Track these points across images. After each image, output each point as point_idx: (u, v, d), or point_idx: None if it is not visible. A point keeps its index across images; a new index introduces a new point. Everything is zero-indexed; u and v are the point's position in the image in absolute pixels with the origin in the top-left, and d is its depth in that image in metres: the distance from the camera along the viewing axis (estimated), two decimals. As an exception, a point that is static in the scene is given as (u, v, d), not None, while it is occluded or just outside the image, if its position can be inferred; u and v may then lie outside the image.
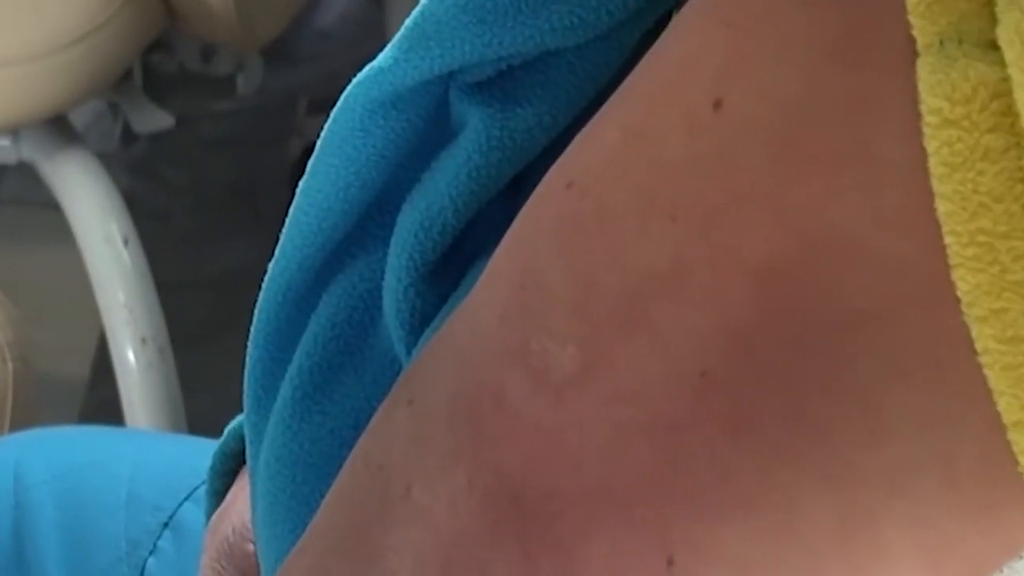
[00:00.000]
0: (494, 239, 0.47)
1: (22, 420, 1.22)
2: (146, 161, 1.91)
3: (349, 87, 0.47)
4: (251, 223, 1.88)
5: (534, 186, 0.43)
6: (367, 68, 0.46)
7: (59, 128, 1.68)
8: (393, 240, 0.49)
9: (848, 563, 0.35)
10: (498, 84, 0.47)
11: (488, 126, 0.47)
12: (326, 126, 0.48)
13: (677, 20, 0.42)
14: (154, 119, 1.67)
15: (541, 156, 0.47)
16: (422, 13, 0.45)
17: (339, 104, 0.47)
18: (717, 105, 0.37)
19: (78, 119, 1.79)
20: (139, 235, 1.67)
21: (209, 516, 0.71)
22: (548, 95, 0.47)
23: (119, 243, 1.64)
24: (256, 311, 0.54)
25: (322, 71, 1.72)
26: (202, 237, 1.97)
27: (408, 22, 0.45)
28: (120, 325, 1.65)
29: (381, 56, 0.46)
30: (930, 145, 0.34)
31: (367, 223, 0.52)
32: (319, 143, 0.48)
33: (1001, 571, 0.34)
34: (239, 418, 0.67)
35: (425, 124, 0.48)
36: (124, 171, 1.89)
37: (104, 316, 1.68)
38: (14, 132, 1.67)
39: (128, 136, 1.85)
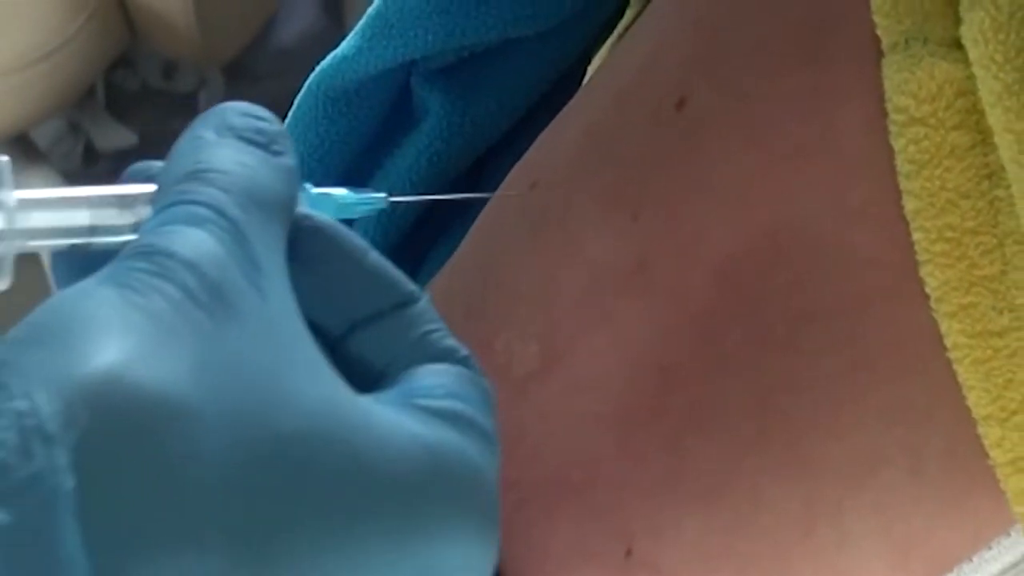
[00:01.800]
0: (455, 222, 0.47)
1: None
2: (109, 180, 1.90)
3: (312, 75, 0.46)
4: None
5: (494, 170, 0.43)
6: (330, 56, 0.46)
7: (22, 147, 1.66)
8: (356, 223, 0.49)
9: (813, 554, 0.35)
10: (459, 71, 0.47)
11: (449, 112, 0.46)
12: (290, 113, 0.47)
13: (644, 15, 0.42)
14: (117, 137, 1.66)
15: (501, 141, 0.47)
16: (384, 2, 0.45)
17: (302, 92, 0.47)
18: (680, 104, 0.37)
19: (41, 138, 1.77)
20: (103, 253, 1.65)
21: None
22: (509, 82, 0.47)
23: (82, 260, 1.62)
24: None
25: (283, 88, 1.71)
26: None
27: (371, 11, 0.45)
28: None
29: (344, 44, 0.45)
30: (897, 142, 0.34)
31: None
32: None
33: (970, 560, 0.34)
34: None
35: (388, 110, 0.47)
36: (86, 189, 1.88)
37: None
38: (-23, 150, 1.65)
39: (91, 155, 1.83)
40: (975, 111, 0.34)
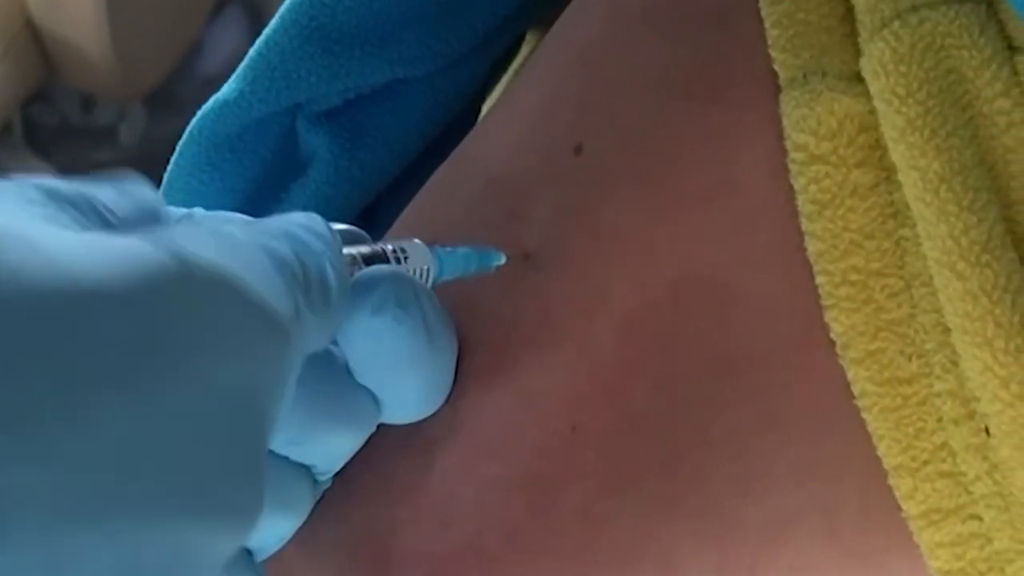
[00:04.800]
0: None
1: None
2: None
3: (193, 120, 0.44)
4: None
5: (385, 216, 0.41)
6: (211, 100, 0.44)
7: (-59, 184, 1.64)
8: None
9: None
10: (347, 113, 0.45)
11: (337, 156, 0.45)
12: (171, 161, 0.45)
13: (535, 58, 0.40)
14: (37, 172, 1.63)
15: (392, 186, 0.46)
16: (266, 43, 0.43)
17: (183, 139, 0.45)
18: (578, 150, 0.36)
19: (-39, 175, 1.74)
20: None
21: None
22: (398, 124, 0.45)
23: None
24: None
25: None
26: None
27: (252, 52, 0.43)
28: None
29: (225, 88, 0.44)
30: (797, 182, 0.33)
31: None
32: (165, 179, 0.46)
33: None
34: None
35: (273, 156, 0.45)
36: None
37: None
38: None
39: (13, 190, 1.80)
40: (878, 147, 0.33)
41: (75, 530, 0.21)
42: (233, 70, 0.44)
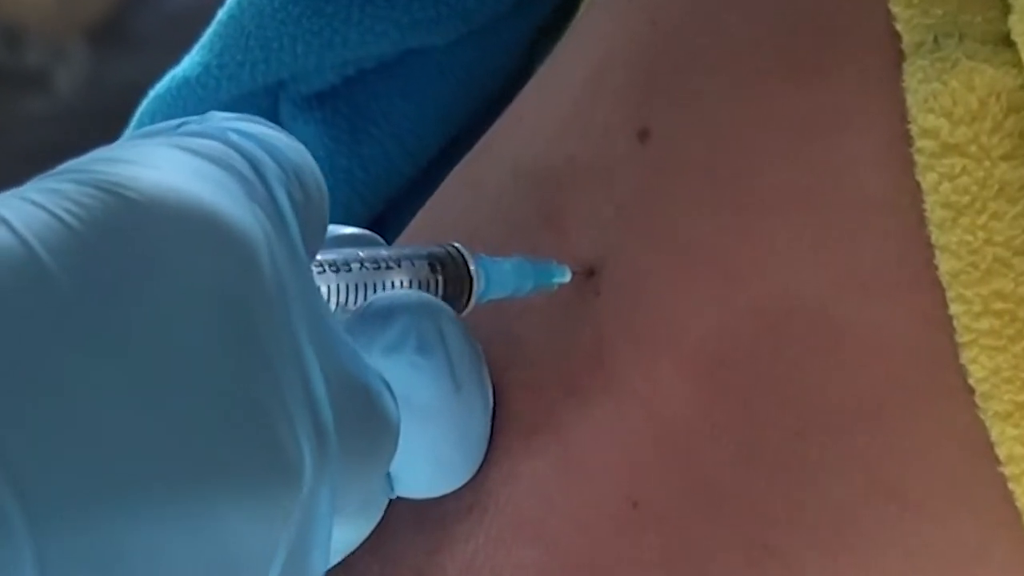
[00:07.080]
0: None
1: None
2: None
3: (144, 102, 0.43)
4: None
5: (397, 232, 0.40)
6: (167, 77, 0.42)
7: None
8: None
9: None
10: (344, 95, 0.43)
11: (333, 152, 0.43)
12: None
13: (584, 19, 0.39)
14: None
15: (406, 192, 0.44)
16: (239, 4, 0.41)
17: (132, 125, 0.43)
18: (643, 135, 0.35)
19: None
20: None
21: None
22: (411, 109, 0.43)
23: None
24: None
25: (172, 60, 1.65)
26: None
27: (221, 15, 0.42)
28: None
29: (186, 62, 0.42)
30: (925, 180, 0.31)
31: None
32: None
33: None
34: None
35: None
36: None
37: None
38: None
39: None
40: None
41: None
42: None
